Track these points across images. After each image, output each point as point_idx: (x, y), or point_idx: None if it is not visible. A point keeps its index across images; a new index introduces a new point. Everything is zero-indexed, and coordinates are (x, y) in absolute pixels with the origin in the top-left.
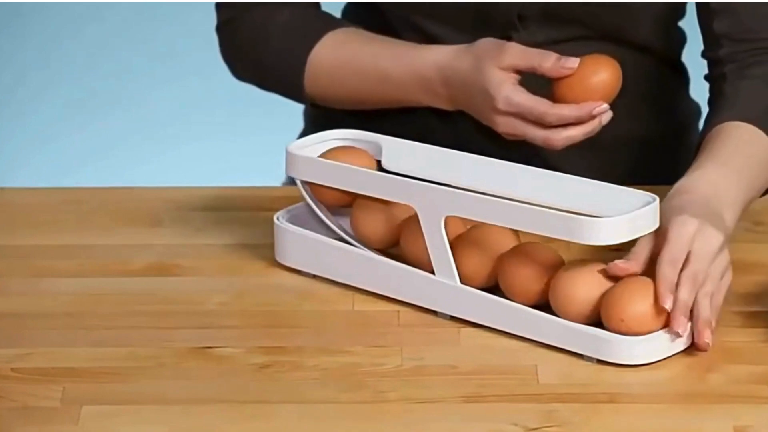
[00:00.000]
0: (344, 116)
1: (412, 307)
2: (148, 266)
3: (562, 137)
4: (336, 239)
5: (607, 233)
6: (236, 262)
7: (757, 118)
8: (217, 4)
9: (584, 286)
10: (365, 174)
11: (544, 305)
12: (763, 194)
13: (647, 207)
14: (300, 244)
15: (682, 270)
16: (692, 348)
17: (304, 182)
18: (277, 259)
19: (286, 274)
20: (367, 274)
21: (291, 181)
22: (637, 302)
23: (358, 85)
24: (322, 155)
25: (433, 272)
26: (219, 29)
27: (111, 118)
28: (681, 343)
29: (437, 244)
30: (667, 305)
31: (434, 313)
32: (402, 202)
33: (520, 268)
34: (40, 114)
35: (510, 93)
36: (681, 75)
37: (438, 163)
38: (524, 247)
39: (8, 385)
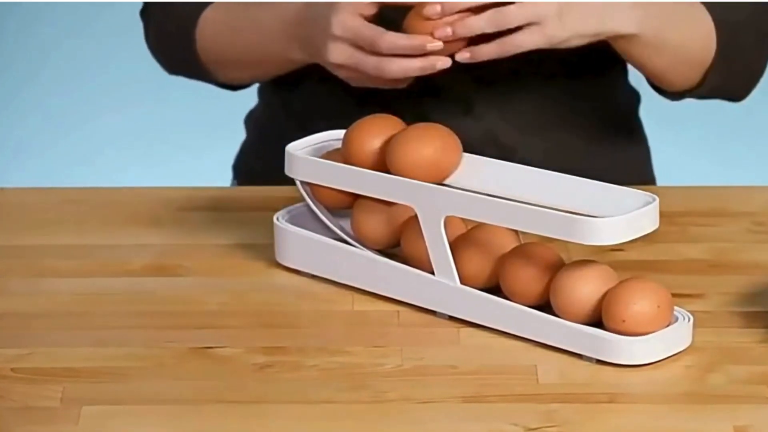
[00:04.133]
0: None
1: (411, 307)
2: (148, 266)
3: (395, 66)
4: (336, 239)
5: (607, 233)
6: (236, 262)
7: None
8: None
9: (584, 286)
10: (365, 174)
11: (544, 305)
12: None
13: (647, 207)
14: (300, 244)
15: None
16: (692, 348)
17: (304, 182)
18: (277, 259)
19: (286, 274)
20: (367, 274)
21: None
22: (638, 302)
23: (237, 37)
24: (324, 155)
25: (433, 272)
26: (145, 29)
27: (111, 118)
28: (681, 343)
29: (437, 244)
30: (430, 12)
31: (434, 313)
32: (402, 203)
33: (520, 269)
34: (40, 114)
35: (346, 17)
36: (621, 62)
37: None
38: (525, 247)
39: (8, 385)
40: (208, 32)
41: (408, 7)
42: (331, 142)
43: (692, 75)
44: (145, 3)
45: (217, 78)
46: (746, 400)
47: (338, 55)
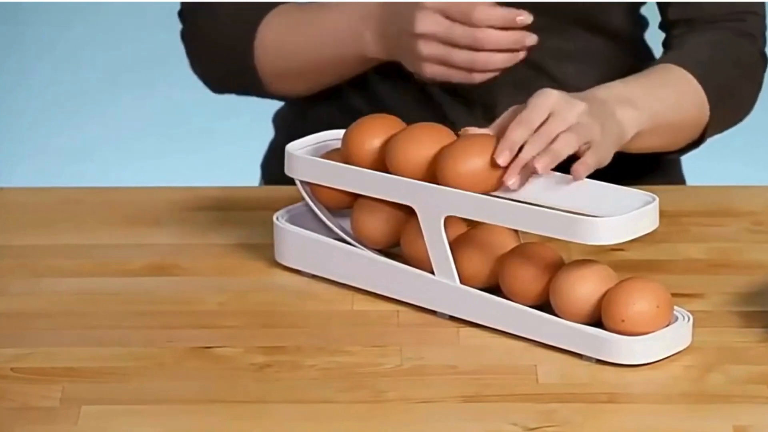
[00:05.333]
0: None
1: (411, 307)
2: (148, 266)
3: (487, 35)
4: (336, 239)
5: (607, 233)
6: (236, 262)
7: (690, 62)
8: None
9: (584, 286)
10: (365, 174)
11: (544, 305)
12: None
13: (647, 207)
14: (300, 244)
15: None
16: (692, 348)
17: (304, 182)
18: (277, 259)
19: (285, 274)
20: (366, 274)
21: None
22: (638, 302)
23: (304, 44)
24: (324, 155)
25: (433, 272)
26: (185, 45)
27: (111, 118)
28: (681, 343)
29: (437, 244)
30: (500, 160)
31: (434, 313)
32: (402, 202)
33: (520, 269)
34: (40, 114)
35: (428, 7)
36: (648, 58)
37: None
38: (524, 247)
39: (8, 385)
40: (269, 41)
41: None
42: (331, 142)
43: (694, 134)
44: (184, 9)
45: (271, 90)
46: (746, 400)
47: (428, 23)
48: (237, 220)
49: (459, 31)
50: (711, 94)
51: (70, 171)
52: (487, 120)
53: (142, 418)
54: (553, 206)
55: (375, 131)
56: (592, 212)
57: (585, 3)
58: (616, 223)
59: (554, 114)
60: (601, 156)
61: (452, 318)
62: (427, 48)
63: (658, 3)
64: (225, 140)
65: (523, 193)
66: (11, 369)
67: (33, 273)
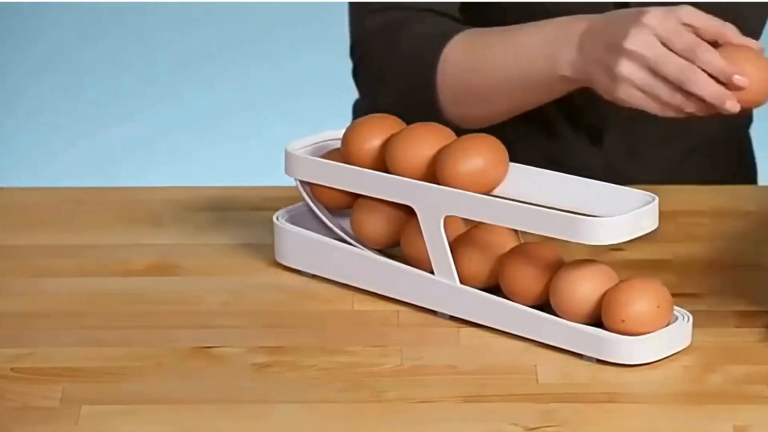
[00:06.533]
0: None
1: (411, 306)
2: (148, 266)
3: (702, 78)
4: (336, 239)
5: (607, 233)
6: (236, 262)
7: None
8: (352, 47)
9: (584, 286)
10: (365, 174)
11: (544, 305)
12: None
13: (647, 206)
14: (300, 243)
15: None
16: (692, 347)
17: (303, 182)
18: (277, 259)
19: (285, 274)
20: (366, 274)
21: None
22: (638, 302)
23: (488, 61)
24: (324, 155)
25: (433, 272)
26: (355, 69)
27: (111, 118)
28: (681, 343)
29: (437, 244)
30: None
31: (434, 312)
32: (402, 202)
33: (520, 268)
34: (41, 114)
35: (666, 14)
36: None
37: None
38: (524, 247)
39: (8, 384)
40: (456, 59)
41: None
42: (331, 142)
43: None
44: (356, 42)
45: (448, 115)
46: (745, 400)
47: (641, 43)
48: (237, 220)
49: (672, 66)
50: None
51: (70, 171)
52: (592, 143)
53: (142, 418)
54: (553, 206)
55: (375, 131)
56: (592, 212)
57: (726, 15)
58: (616, 223)
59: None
60: None
61: (452, 318)
62: (628, 67)
63: None
64: (225, 140)
65: (523, 193)
66: (11, 369)
67: (33, 273)
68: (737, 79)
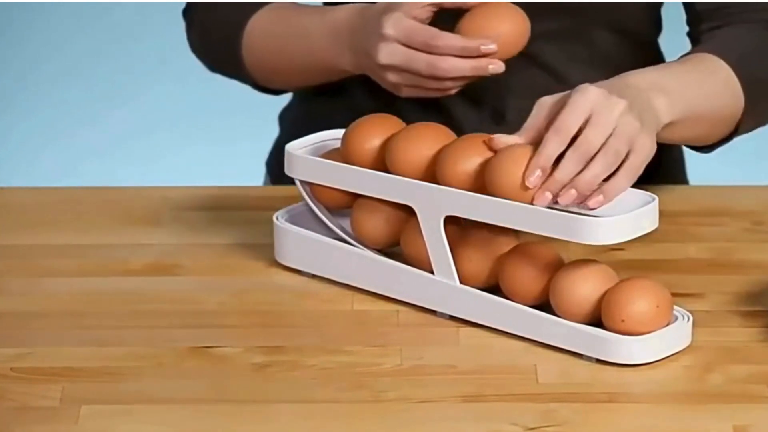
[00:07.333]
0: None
1: (411, 306)
2: (148, 266)
3: (448, 64)
4: (336, 239)
5: (607, 233)
6: (236, 262)
7: (727, 53)
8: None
9: (584, 286)
10: (365, 174)
11: (544, 305)
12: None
13: (647, 206)
14: (299, 243)
15: (572, 142)
16: (692, 347)
17: (303, 182)
18: (277, 258)
19: (285, 274)
20: (366, 274)
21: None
22: (638, 302)
23: (284, 44)
24: (324, 155)
25: (433, 272)
26: (188, 29)
27: (111, 118)
28: (681, 343)
29: (437, 244)
30: (529, 182)
31: (433, 312)
32: (402, 202)
33: (520, 268)
34: (40, 114)
35: (399, 16)
36: (660, 59)
37: None
38: (524, 247)
39: (8, 384)
40: (255, 39)
41: (461, 11)
42: (331, 142)
43: (728, 128)
44: (188, 3)
45: (260, 82)
46: (745, 400)
47: (388, 55)
48: (237, 220)
49: (419, 63)
50: (748, 87)
51: (70, 171)
52: (495, 123)
53: (142, 418)
54: (553, 206)
55: (375, 131)
56: (592, 212)
57: (605, 2)
58: (616, 223)
59: (594, 115)
60: (640, 159)
61: (452, 318)
62: (390, 76)
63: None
64: (226, 140)
65: None
66: (11, 369)
67: (33, 273)
68: (484, 49)
